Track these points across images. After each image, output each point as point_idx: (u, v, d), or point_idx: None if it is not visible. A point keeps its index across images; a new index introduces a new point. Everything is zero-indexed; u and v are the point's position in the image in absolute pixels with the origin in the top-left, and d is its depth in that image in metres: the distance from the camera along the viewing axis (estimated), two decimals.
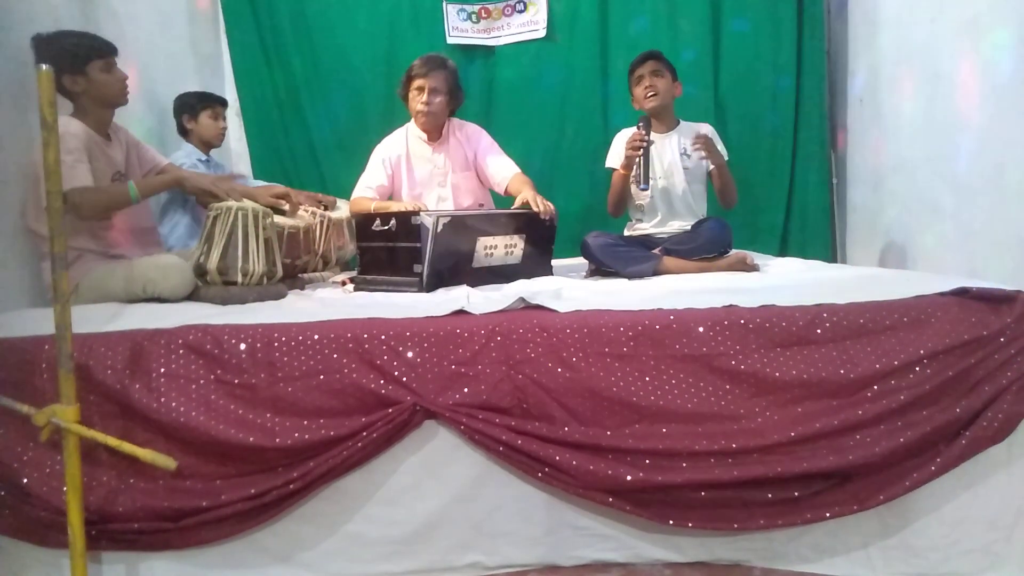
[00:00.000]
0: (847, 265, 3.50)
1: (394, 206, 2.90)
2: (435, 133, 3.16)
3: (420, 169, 3.17)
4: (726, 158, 3.10)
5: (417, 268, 2.43)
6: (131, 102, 2.61)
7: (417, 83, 3.03)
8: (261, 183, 3.50)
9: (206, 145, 3.34)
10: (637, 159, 2.81)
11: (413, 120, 3.16)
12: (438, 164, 3.17)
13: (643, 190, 2.84)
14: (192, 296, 2.33)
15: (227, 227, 2.32)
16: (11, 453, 1.75)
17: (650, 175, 2.84)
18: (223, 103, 3.42)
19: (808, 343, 1.82)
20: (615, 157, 3.03)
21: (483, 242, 2.57)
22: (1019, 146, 2.41)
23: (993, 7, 2.54)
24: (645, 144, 2.77)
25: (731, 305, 1.92)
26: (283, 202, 2.74)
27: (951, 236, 2.83)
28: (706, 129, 3.11)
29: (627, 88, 3.14)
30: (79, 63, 2.37)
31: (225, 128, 3.42)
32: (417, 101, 3.03)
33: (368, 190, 3.12)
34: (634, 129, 2.91)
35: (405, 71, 3.09)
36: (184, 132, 3.34)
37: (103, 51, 2.43)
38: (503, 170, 3.16)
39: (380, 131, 3.34)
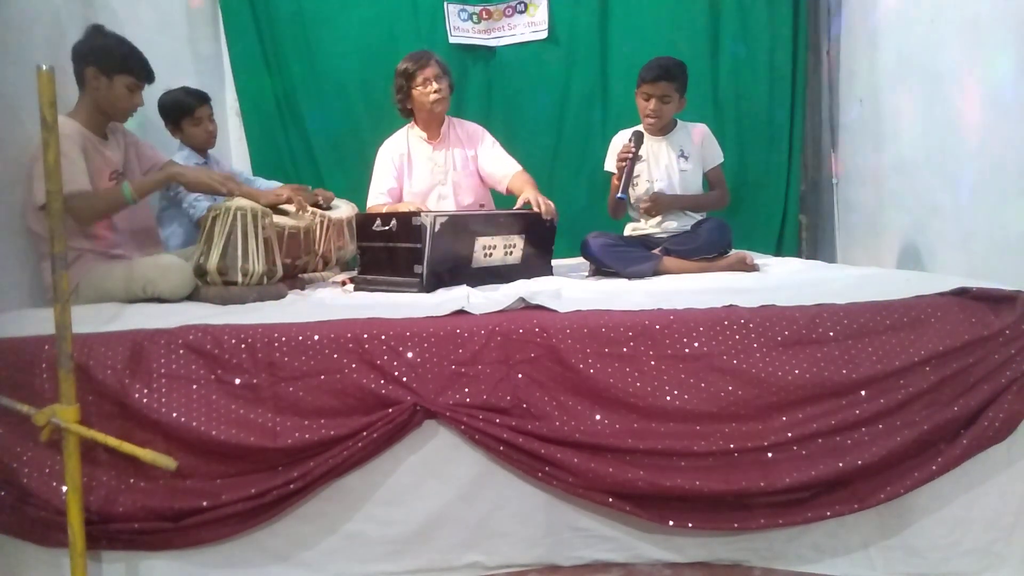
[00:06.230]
0: (847, 265, 3.50)
1: (402, 209, 2.91)
2: (436, 130, 3.18)
3: (421, 168, 3.19)
4: (721, 160, 3.12)
5: (417, 268, 2.43)
6: None
7: (421, 76, 3.07)
8: (262, 181, 3.49)
9: (199, 150, 3.27)
10: (623, 168, 2.83)
11: (418, 117, 3.18)
12: (439, 163, 3.19)
13: (619, 199, 2.85)
14: (192, 296, 2.33)
15: (226, 227, 2.32)
16: (11, 453, 1.75)
17: (628, 187, 2.87)
18: (201, 100, 3.18)
19: (808, 343, 1.82)
20: (612, 161, 3.03)
21: (482, 242, 2.57)
22: (1019, 146, 2.41)
23: (993, 7, 2.54)
24: (631, 157, 2.80)
25: (731, 305, 1.92)
26: (284, 198, 2.73)
27: (951, 236, 2.82)
28: (703, 129, 3.12)
29: (627, 88, 3.14)
30: (111, 67, 2.39)
31: (213, 129, 3.24)
32: (429, 92, 3.07)
33: (381, 196, 3.16)
34: (631, 131, 2.94)
35: (396, 77, 3.12)
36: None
37: (138, 72, 2.45)
38: (504, 168, 3.18)
39: (379, 131, 3.35)
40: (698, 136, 3.08)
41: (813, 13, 3.97)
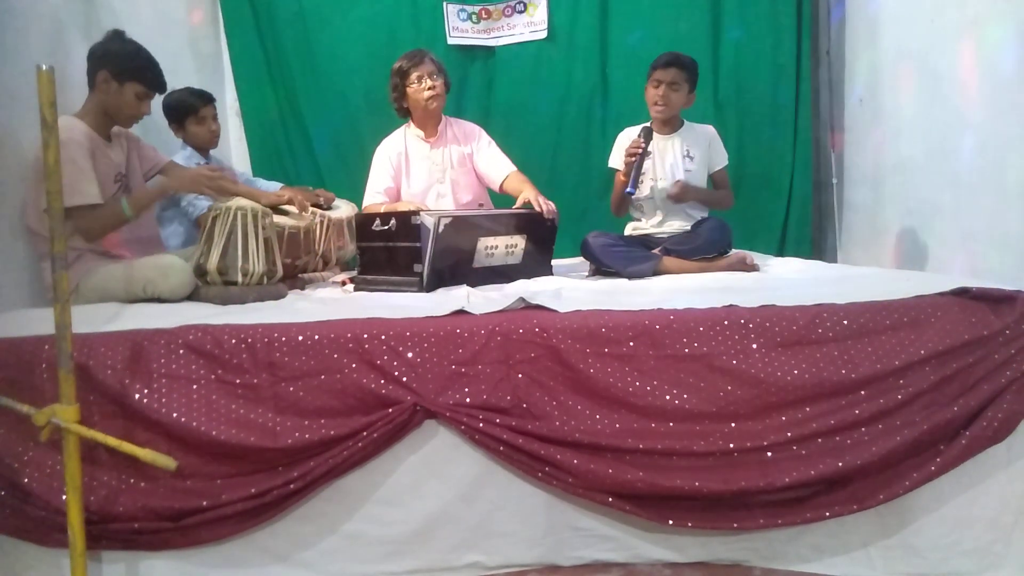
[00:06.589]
0: (847, 265, 3.50)
1: (401, 208, 2.91)
2: (433, 128, 3.18)
3: (419, 167, 3.20)
4: (726, 162, 3.12)
5: (417, 268, 2.43)
6: None
7: (415, 73, 3.07)
8: (263, 181, 3.49)
9: (202, 150, 3.27)
10: (633, 163, 2.82)
11: (414, 115, 3.18)
12: (436, 161, 3.19)
13: (628, 193, 2.85)
14: (192, 296, 2.33)
15: (227, 227, 2.32)
16: (11, 453, 1.75)
17: (638, 182, 2.84)
18: (206, 100, 3.19)
19: (808, 343, 1.82)
20: (617, 158, 3.03)
21: (484, 242, 2.57)
22: (1019, 146, 2.41)
23: (993, 7, 2.54)
24: (640, 152, 2.80)
25: (731, 305, 1.92)
26: (284, 198, 2.73)
27: (951, 236, 2.83)
28: (710, 131, 3.12)
29: (627, 88, 3.13)
30: (123, 74, 2.39)
31: (217, 129, 3.26)
32: (423, 89, 3.07)
33: (377, 195, 3.16)
34: (637, 128, 2.93)
35: (392, 76, 3.12)
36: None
37: (149, 82, 2.45)
38: (499, 168, 3.18)
39: (379, 131, 3.35)
40: (705, 137, 3.08)
41: (814, 12, 3.96)
